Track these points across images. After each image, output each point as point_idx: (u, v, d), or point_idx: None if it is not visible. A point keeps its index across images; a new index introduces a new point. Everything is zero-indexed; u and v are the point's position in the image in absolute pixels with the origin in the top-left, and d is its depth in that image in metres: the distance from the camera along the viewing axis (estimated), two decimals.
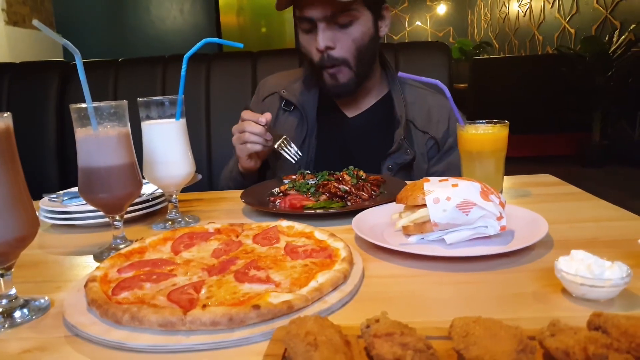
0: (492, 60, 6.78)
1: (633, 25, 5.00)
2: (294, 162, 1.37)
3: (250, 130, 1.32)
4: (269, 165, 1.55)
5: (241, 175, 1.48)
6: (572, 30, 6.27)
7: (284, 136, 1.36)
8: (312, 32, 1.40)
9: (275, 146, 1.36)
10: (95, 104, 0.88)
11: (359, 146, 1.51)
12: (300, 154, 1.37)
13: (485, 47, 8.48)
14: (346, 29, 1.38)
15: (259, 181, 1.48)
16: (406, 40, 8.19)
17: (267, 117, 1.32)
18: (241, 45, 1.10)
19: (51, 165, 2.00)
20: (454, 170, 1.46)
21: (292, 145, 1.36)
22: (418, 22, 9.63)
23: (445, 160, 1.51)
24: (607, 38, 5.26)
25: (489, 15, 8.98)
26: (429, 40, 9.31)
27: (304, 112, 1.53)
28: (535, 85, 5.68)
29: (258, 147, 1.34)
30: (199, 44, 1.06)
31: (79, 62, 0.87)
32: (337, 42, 1.38)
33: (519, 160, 5.44)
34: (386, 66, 1.58)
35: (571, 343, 0.47)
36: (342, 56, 1.40)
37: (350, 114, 1.57)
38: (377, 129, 1.52)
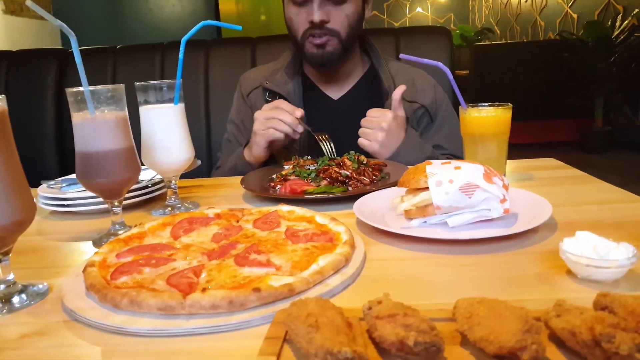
0: (493, 46, 6.72)
1: (636, 10, 4.96)
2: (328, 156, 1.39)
3: (282, 118, 1.32)
4: (276, 161, 1.53)
5: (249, 165, 1.47)
6: (575, 16, 6.21)
7: (326, 136, 1.41)
8: (304, 6, 1.42)
9: (317, 136, 1.39)
10: (91, 88, 0.87)
11: (350, 125, 1.51)
12: (335, 156, 1.38)
13: (486, 34, 8.40)
14: (340, 5, 1.42)
15: None
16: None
17: (301, 111, 1.35)
18: (239, 27, 1.08)
19: (50, 153, 1.99)
20: (454, 138, 1.48)
21: (332, 146, 1.40)
22: (419, 9, 9.54)
23: (443, 130, 1.54)
24: (609, 23, 5.21)
25: (490, 1, 8.89)
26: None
27: (290, 101, 1.53)
28: (537, 71, 5.64)
29: (280, 135, 1.33)
30: (197, 27, 1.04)
31: (74, 44, 0.86)
32: (331, 17, 1.41)
33: (520, 146, 5.41)
34: (367, 44, 1.61)
35: (577, 323, 0.47)
36: (335, 28, 1.43)
37: (335, 95, 1.59)
38: (364, 106, 1.52)
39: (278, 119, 1.33)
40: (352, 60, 1.57)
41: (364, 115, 1.40)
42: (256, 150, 1.41)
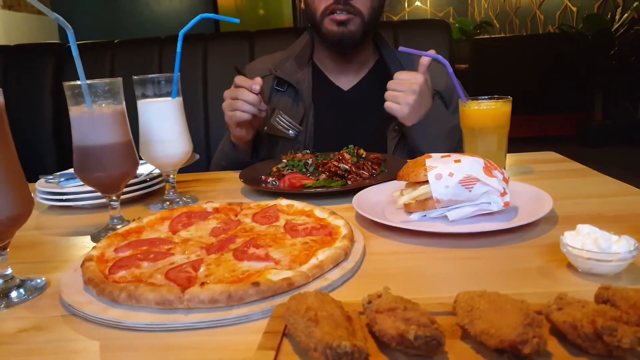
0: (492, 40, 6.71)
1: (636, 3, 4.94)
2: (292, 136, 1.36)
3: (243, 98, 1.28)
4: (261, 142, 1.51)
5: (233, 147, 1.44)
6: (574, 9, 6.19)
7: (278, 110, 1.35)
8: None
9: (272, 121, 1.34)
10: (89, 81, 0.86)
11: (360, 116, 1.50)
12: (300, 127, 1.35)
13: (485, 27, 8.36)
14: None
15: (252, 155, 1.46)
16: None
17: (258, 82, 1.28)
18: (237, 20, 1.08)
19: (48, 148, 1.98)
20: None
21: (287, 117, 1.35)
22: (418, 2, 9.49)
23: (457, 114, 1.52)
24: (609, 16, 5.19)
25: None
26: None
27: (299, 89, 1.51)
28: (536, 65, 5.62)
29: (246, 116, 1.29)
30: (194, 20, 1.03)
31: (71, 37, 0.85)
32: None
33: (519, 140, 5.37)
34: (377, 36, 1.60)
35: (579, 316, 0.46)
36: (358, 7, 1.40)
37: (346, 86, 1.58)
38: (375, 96, 1.51)
39: (241, 99, 1.28)
40: (366, 50, 1.56)
41: (374, 107, 1.37)
42: (231, 130, 1.38)
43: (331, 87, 1.57)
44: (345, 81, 1.58)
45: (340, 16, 1.40)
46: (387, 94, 1.29)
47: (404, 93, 1.27)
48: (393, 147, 1.45)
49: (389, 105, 1.28)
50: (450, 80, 1.53)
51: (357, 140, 1.29)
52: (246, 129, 1.36)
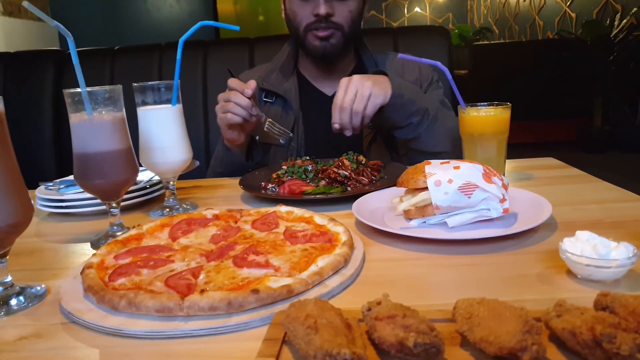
0: (492, 46, 6.72)
1: (634, 9, 4.95)
2: (282, 143, 1.41)
3: (236, 100, 1.28)
4: (256, 144, 1.52)
5: (227, 150, 1.44)
6: (573, 15, 6.21)
7: (269, 119, 1.36)
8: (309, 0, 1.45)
9: (265, 129, 1.35)
10: (89, 89, 0.86)
11: None
12: (290, 133, 1.39)
13: (485, 33, 8.40)
14: (344, 0, 1.45)
15: (247, 161, 1.46)
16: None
17: (252, 86, 1.28)
18: (237, 27, 1.08)
19: (48, 155, 1.98)
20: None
21: (277, 125, 1.36)
22: (417, 9, 9.54)
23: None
24: (608, 22, 5.21)
25: (489, 1, 8.89)
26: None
27: (288, 99, 1.56)
28: (535, 71, 5.64)
29: (238, 119, 1.29)
30: (194, 27, 1.04)
31: (71, 45, 0.86)
32: (335, 11, 1.45)
33: (519, 146, 5.40)
34: (358, 41, 1.62)
35: (578, 323, 0.46)
36: (339, 22, 1.46)
37: (329, 92, 1.61)
38: None
39: (234, 102, 1.28)
40: (348, 56, 1.61)
41: None
42: (223, 132, 1.38)
43: (316, 93, 1.62)
44: (329, 87, 1.62)
45: (323, 32, 1.45)
46: (357, 104, 1.25)
47: (361, 89, 1.24)
48: (367, 144, 1.52)
49: (372, 102, 1.25)
50: (422, 75, 1.58)
51: (345, 143, 1.30)
52: (237, 133, 1.36)
